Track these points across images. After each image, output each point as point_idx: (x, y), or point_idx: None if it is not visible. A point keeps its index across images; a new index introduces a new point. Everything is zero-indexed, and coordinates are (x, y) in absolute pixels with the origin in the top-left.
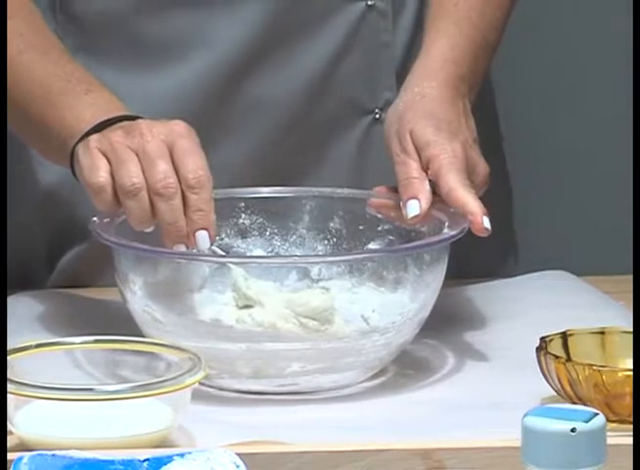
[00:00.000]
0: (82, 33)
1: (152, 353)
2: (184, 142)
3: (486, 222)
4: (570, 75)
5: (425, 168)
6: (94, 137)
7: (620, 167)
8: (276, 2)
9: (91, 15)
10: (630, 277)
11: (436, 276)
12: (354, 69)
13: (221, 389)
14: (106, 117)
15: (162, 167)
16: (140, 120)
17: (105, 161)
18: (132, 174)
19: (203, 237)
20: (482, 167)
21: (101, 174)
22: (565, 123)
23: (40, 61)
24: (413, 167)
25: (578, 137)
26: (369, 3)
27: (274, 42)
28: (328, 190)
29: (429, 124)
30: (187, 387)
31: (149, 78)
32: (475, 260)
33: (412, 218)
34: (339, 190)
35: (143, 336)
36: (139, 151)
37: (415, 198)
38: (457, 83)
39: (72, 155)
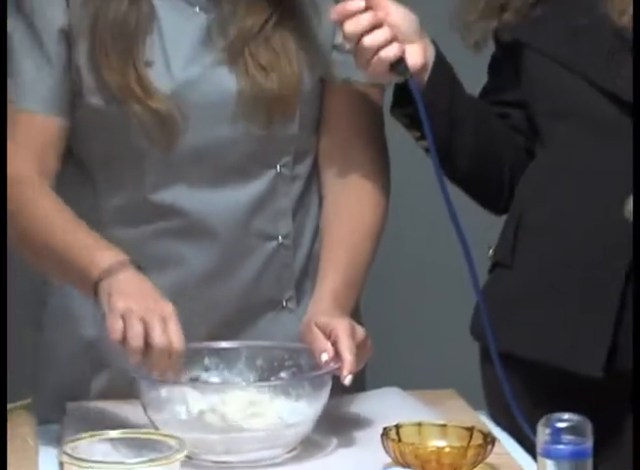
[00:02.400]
0: None
1: (158, 440)
2: (171, 320)
3: (349, 379)
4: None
5: (327, 335)
6: (120, 304)
7: (446, 304)
8: (226, 235)
9: (113, 240)
10: (442, 391)
11: (324, 392)
12: (270, 279)
13: (203, 460)
14: (115, 261)
15: (157, 333)
16: (153, 302)
17: (121, 322)
18: (137, 338)
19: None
20: (362, 331)
21: (117, 331)
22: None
23: (74, 231)
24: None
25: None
26: (279, 242)
27: (225, 266)
28: (255, 343)
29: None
30: (175, 461)
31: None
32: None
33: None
34: (262, 343)
35: (155, 429)
36: (145, 319)
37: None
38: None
39: (96, 289)
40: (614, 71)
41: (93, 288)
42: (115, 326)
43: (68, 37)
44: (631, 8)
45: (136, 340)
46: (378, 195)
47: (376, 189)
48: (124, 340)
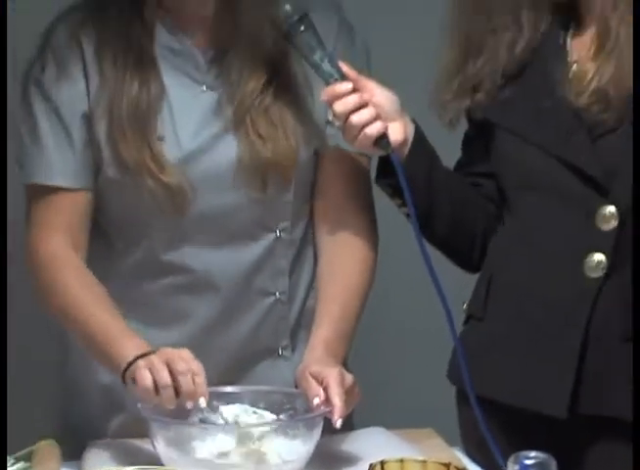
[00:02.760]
0: (128, 305)
1: None
2: (192, 362)
3: (339, 423)
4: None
5: (319, 382)
6: (142, 362)
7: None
8: (229, 291)
9: (126, 297)
10: (421, 430)
11: (317, 432)
12: (268, 330)
13: None
14: (140, 353)
15: (180, 364)
16: (171, 350)
17: (148, 372)
18: (165, 377)
19: (201, 402)
20: (350, 378)
21: (146, 378)
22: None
23: (108, 319)
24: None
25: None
26: (277, 297)
27: (228, 319)
28: (257, 388)
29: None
30: None
31: (156, 332)
32: (329, 421)
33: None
34: (262, 388)
35: (165, 465)
36: (169, 364)
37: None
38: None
39: (125, 370)
40: (577, 149)
41: (120, 374)
42: (144, 375)
43: (89, 119)
44: (588, 91)
45: (164, 378)
46: (368, 252)
47: (366, 247)
48: (155, 388)
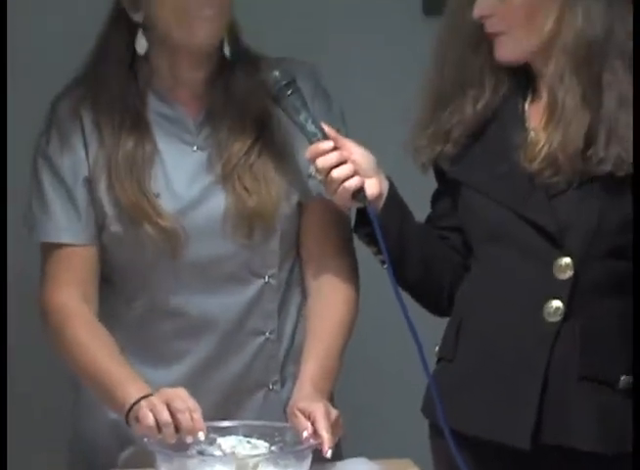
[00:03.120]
0: (131, 350)
1: None
2: (189, 400)
3: (329, 453)
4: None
5: (307, 417)
6: (144, 403)
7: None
8: (223, 332)
9: (130, 343)
10: (400, 460)
11: (307, 463)
12: (259, 367)
13: None
14: (142, 395)
15: (178, 403)
16: (169, 390)
17: (150, 412)
18: (165, 415)
19: (200, 436)
20: (335, 412)
21: (148, 416)
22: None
23: (115, 367)
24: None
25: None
26: (267, 337)
27: (222, 357)
28: (250, 422)
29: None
30: None
31: (156, 372)
32: (318, 451)
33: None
34: (255, 422)
35: None
36: (169, 403)
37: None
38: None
39: (129, 411)
40: (535, 207)
41: (124, 415)
42: (147, 415)
43: (90, 182)
44: (539, 157)
45: (165, 417)
46: (350, 293)
47: (348, 289)
48: (157, 426)
